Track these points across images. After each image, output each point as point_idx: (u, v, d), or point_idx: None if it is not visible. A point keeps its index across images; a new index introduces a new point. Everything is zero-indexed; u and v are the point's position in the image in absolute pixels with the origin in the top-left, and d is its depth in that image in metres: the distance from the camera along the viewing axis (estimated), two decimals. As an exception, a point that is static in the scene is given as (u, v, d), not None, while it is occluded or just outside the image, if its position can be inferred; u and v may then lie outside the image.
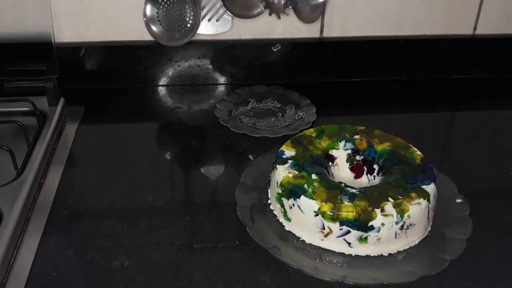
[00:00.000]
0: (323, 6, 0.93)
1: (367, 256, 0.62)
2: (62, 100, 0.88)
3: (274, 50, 0.97)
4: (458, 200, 0.69)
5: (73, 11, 0.90)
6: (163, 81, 0.97)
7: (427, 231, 0.65)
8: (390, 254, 0.62)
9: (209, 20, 0.93)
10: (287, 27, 0.96)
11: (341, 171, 0.71)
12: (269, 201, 0.69)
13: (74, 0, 0.90)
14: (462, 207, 0.68)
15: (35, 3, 0.84)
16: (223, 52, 0.96)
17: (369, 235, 0.60)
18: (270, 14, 0.92)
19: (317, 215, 0.61)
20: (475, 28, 1.01)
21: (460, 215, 0.67)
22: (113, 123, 0.89)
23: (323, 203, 0.61)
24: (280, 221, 0.66)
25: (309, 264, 0.60)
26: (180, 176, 0.77)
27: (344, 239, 0.61)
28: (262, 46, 0.96)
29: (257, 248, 0.62)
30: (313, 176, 0.65)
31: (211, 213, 0.69)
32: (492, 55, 1.02)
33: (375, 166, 0.70)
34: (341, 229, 0.60)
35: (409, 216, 0.61)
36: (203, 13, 0.92)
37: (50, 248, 0.63)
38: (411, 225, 0.62)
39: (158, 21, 0.90)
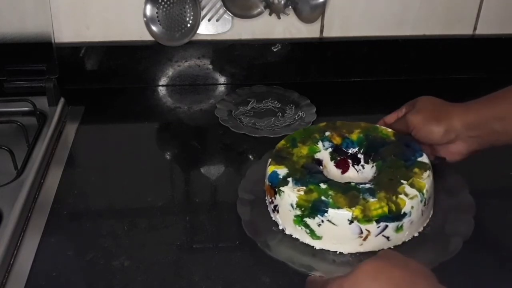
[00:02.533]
0: (323, 6, 0.93)
1: (404, 243, 0.62)
2: (62, 100, 0.87)
3: (274, 50, 0.97)
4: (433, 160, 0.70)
5: (73, 11, 0.90)
6: (163, 81, 0.97)
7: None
8: (420, 233, 0.63)
9: (209, 20, 0.93)
10: (287, 27, 0.96)
11: (329, 171, 0.70)
12: (280, 227, 0.64)
13: (74, 0, 0.90)
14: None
15: (35, 3, 0.84)
16: (223, 52, 0.96)
17: (404, 222, 0.61)
18: (270, 14, 0.92)
19: (351, 222, 0.59)
20: (475, 28, 1.01)
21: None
22: (113, 123, 0.89)
23: (353, 208, 0.59)
24: (306, 242, 0.62)
25: None
26: (180, 176, 0.77)
27: (383, 235, 0.60)
28: (262, 46, 0.96)
29: (257, 248, 0.61)
30: (322, 186, 0.62)
31: (211, 213, 0.69)
32: (492, 55, 1.02)
33: (360, 156, 0.70)
34: (378, 227, 0.60)
35: (427, 191, 0.62)
36: (203, 13, 0.91)
37: (50, 248, 0.63)
38: (429, 198, 0.63)
39: (158, 21, 0.90)
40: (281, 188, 0.63)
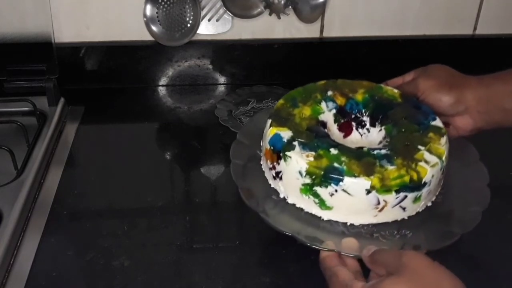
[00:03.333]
0: (323, 6, 0.93)
1: (418, 213, 0.58)
2: (62, 100, 0.87)
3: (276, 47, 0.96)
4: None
5: (73, 11, 0.90)
6: (163, 81, 0.97)
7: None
8: (433, 202, 0.59)
9: (209, 20, 0.93)
10: (287, 27, 0.96)
11: (332, 134, 0.64)
12: (281, 196, 0.59)
13: (74, 0, 0.90)
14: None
15: (35, 3, 0.84)
16: (223, 52, 0.96)
17: (423, 192, 0.56)
18: (270, 14, 0.92)
19: (369, 192, 0.54)
20: (475, 28, 1.01)
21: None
22: (113, 123, 0.89)
23: (372, 177, 0.54)
24: (313, 212, 0.57)
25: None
26: (180, 176, 0.77)
27: (400, 206, 0.56)
28: (262, 46, 0.96)
29: (257, 248, 0.62)
30: (333, 151, 0.56)
31: (211, 213, 0.69)
32: (492, 55, 1.02)
33: (365, 118, 0.65)
34: (397, 197, 0.55)
35: (446, 158, 0.58)
36: (203, 13, 0.91)
37: (50, 248, 0.63)
38: (446, 165, 0.59)
39: (158, 21, 0.90)
40: (287, 153, 0.57)
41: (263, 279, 0.59)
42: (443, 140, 0.59)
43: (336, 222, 0.56)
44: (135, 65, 0.95)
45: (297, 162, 0.56)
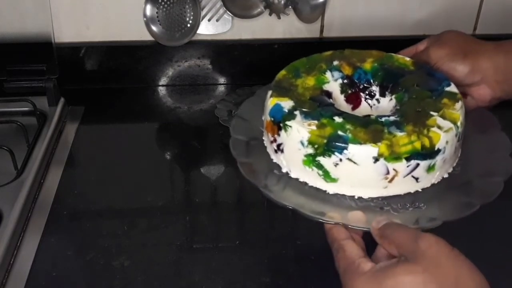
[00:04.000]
0: (323, 6, 0.93)
1: (433, 185, 0.54)
2: (62, 100, 0.87)
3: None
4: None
5: (73, 11, 0.90)
6: (163, 81, 0.97)
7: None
8: (450, 174, 0.56)
9: (209, 20, 0.93)
10: (287, 27, 0.96)
11: (339, 105, 0.60)
12: (284, 170, 0.56)
13: (74, 0, 0.90)
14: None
15: (35, 3, 0.84)
16: (223, 52, 0.96)
17: (437, 160, 0.53)
18: (270, 14, 0.92)
19: (377, 160, 0.50)
20: (475, 28, 1.01)
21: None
22: (113, 123, 0.89)
23: (379, 144, 0.50)
24: (317, 186, 0.54)
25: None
26: (180, 176, 0.77)
27: (412, 176, 0.52)
28: (262, 46, 0.96)
29: (257, 248, 0.62)
30: (337, 119, 0.53)
31: (211, 213, 0.69)
32: (492, 55, 1.02)
33: (374, 88, 0.61)
34: (408, 166, 0.51)
35: (461, 123, 0.55)
36: (203, 13, 0.91)
37: (50, 248, 0.63)
38: (462, 132, 0.55)
39: (158, 21, 0.90)
40: (288, 123, 0.54)
41: (263, 279, 0.59)
42: (458, 105, 0.56)
43: (343, 195, 0.53)
44: (135, 65, 0.95)
45: (298, 131, 0.53)
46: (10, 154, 0.71)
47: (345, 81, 0.62)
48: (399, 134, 0.52)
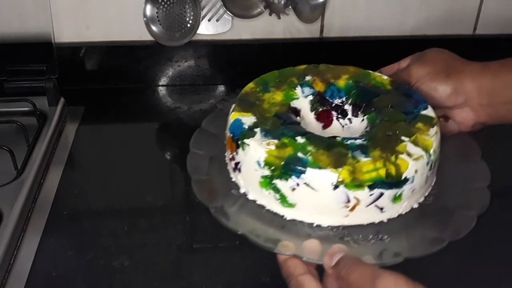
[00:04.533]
0: (323, 6, 0.93)
1: (400, 216, 0.50)
2: (62, 100, 0.87)
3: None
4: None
5: (73, 11, 0.90)
6: (163, 81, 0.97)
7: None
8: (420, 204, 0.51)
9: (209, 20, 0.93)
10: (287, 27, 0.96)
11: (307, 123, 0.57)
12: (242, 191, 0.53)
13: (74, 0, 0.89)
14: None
15: (35, 3, 0.84)
16: (223, 52, 0.96)
17: (404, 190, 0.48)
18: (270, 14, 0.92)
19: (336, 187, 0.47)
20: (475, 28, 1.01)
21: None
22: (113, 123, 0.89)
23: (340, 169, 0.47)
24: (275, 211, 0.50)
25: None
26: (180, 176, 0.77)
27: (376, 205, 0.48)
28: (262, 46, 0.96)
29: (257, 248, 0.61)
30: (299, 139, 0.50)
31: (211, 213, 0.69)
32: (492, 55, 1.02)
33: (347, 107, 0.57)
34: (371, 195, 0.47)
35: (434, 151, 0.50)
36: (203, 13, 0.91)
37: (50, 248, 0.63)
38: (436, 161, 0.51)
39: (158, 21, 0.90)
40: (245, 141, 0.51)
41: (263, 279, 0.59)
42: (433, 130, 0.52)
43: (301, 222, 0.49)
44: (135, 65, 0.95)
45: (256, 150, 0.50)
46: (10, 154, 0.71)
47: (317, 97, 0.58)
48: (364, 159, 0.48)
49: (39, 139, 0.78)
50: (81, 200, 0.70)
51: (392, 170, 0.47)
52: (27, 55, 0.86)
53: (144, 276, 0.59)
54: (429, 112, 0.54)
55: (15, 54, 0.86)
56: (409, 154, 0.49)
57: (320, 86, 0.58)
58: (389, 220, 0.50)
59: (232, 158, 0.53)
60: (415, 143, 0.50)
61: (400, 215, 0.50)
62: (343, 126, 0.59)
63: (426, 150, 0.50)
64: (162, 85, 0.97)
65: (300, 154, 0.48)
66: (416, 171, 0.49)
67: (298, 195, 0.48)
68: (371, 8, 0.96)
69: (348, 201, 0.47)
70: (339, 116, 0.58)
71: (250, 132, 0.52)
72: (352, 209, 0.48)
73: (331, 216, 0.49)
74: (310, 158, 0.48)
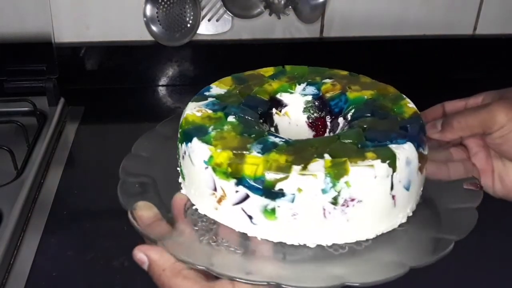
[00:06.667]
0: (323, 6, 0.93)
1: (280, 244, 0.40)
2: (62, 100, 0.87)
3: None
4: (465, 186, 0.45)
5: (73, 11, 0.90)
6: (163, 81, 0.97)
7: (393, 218, 0.42)
8: (319, 246, 0.40)
9: (209, 20, 0.93)
10: (287, 27, 0.96)
11: (294, 125, 0.50)
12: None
13: (74, 0, 0.90)
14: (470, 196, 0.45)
15: (35, 3, 0.84)
16: (223, 52, 0.96)
17: (278, 206, 0.39)
18: (270, 14, 0.92)
19: (207, 167, 0.41)
20: (475, 28, 1.01)
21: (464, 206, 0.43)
22: (113, 123, 0.89)
23: (220, 150, 0.41)
24: (180, 181, 0.47)
25: (201, 253, 0.40)
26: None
27: (243, 209, 0.40)
28: (262, 46, 0.96)
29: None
30: (230, 118, 0.44)
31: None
32: (492, 55, 1.02)
33: (340, 120, 0.48)
34: (237, 191, 0.40)
35: (347, 184, 0.38)
36: (203, 13, 0.91)
37: (50, 248, 0.62)
38: (352, 200, 0.39)
39: (158, 21, 0.90)
40: (190, 102, 0.51)
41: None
42: (370, 162, 0.39)
43: (190, 201, 0.45)
44: (135, 65, 0.95)
45: (184, 112, 0.49)
46: (10, 154, 0.70)
47: (316, 101, 0.50)
48: (255, 153, 0.40)
49: (39, 139, 0.78)
50: (81, 200, 0.70)
51: (265, 174, 0.39)
52: (27, 55, 0.86)
53: (144, 276, 0.59)
54: (398, 148, 0.41)
55: (15, 54, 0.86)
56: (304, 168, 0.39)
57: (332, 91, 0.50)
58: (262, 240, 0.41)
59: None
60: (330, 165, 0.39)
61: (281, 243, 0.41)
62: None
63: (331, 175, 0.38)
64: (162, 85, 0.97)
65: (210, 127, 0.44)
66: (299, 190, 0.39)
67: (184, 165, 0.45)
68: (371, 8, 0.96)
69: (215, 188, 0.41)
70: (333, 128, 0.49)
71: (202, 97, 0.51)
72: (219, 201, 0.42)
73: (204, 202, 0.43)
74: (213, 133, 0.43)
